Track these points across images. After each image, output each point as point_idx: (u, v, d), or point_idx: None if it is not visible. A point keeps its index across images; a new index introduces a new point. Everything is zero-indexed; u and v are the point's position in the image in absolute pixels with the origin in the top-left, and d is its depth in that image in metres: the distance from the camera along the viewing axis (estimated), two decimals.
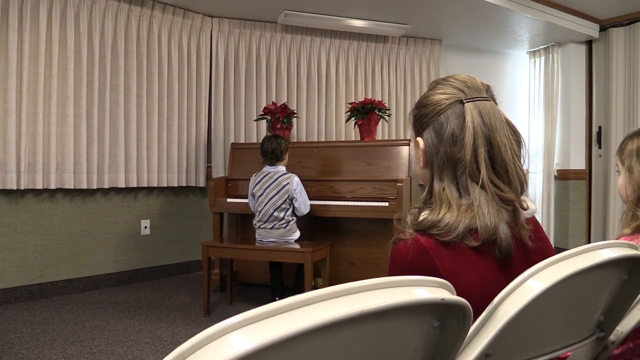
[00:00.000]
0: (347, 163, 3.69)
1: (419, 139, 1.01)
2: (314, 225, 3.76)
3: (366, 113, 3.87)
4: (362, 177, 3.57)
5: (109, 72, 3.87)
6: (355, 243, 3.64)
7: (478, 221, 0.88)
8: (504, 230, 0.88)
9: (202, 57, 4.39)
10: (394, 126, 5.06)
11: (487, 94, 0.98)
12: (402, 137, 5.00)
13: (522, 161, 0.94)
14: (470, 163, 0.91)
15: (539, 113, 5.13)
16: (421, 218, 0.92)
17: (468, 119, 0.93)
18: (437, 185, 0.95)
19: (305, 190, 3.40)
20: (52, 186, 3.63)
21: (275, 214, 3.25)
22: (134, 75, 4.00)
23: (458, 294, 0.74)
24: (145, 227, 4.16)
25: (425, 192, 0.99)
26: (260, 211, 3.30)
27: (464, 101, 0.95)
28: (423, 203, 0.97)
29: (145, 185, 4.09)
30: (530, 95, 5.23)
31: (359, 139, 4.16)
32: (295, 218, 3.34)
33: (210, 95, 4.50)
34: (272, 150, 3.29)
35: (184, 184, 4.32)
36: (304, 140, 4.67)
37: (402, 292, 0.67)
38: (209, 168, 4.51)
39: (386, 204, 3.30)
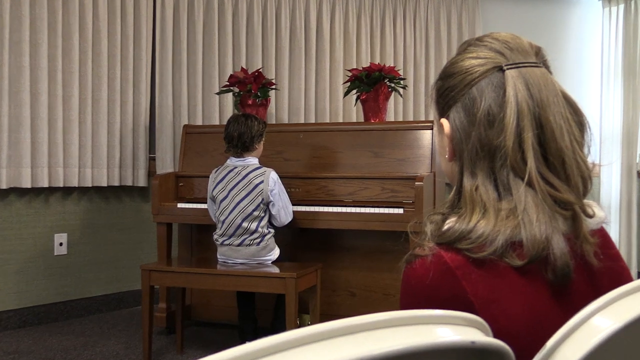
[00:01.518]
0: (345, 154, 3.72)
1: (443, 120, 1.01)
2: (300, 241, 3.79)
3: (373, 84, 3.90)
4: (367, 173, 3.61)
5: (7, 24, 3.87)
6: (357, 265, 3.68)
7: (523, 231, 0.89)
8: (559, 244, 0.89)
9: (142, 5, 4.40)
10: (412, 103, 5.10)
11: (536, 59, 0.98)
12: (422, 118, 5.04)
13: (585, 150, 0.96)
14: (512, 152, 0.92)
15: (615, 84, 5.13)
16: (446, 227, 0.93)
17: (510, 91, 0.94)
18: (467, 183, 0.96)
19: (287, 192, 3.43)
20: None
21: (245, 224, 3.28)
22: (44, 29, 3.99)
23: (495, 334, 0.76)
24: (61, 244, 4.16)
25: (452, 193, 1.00)
26: (224, 221, 3.32)
27: (505, 68, 0.96)
28: (449, 207, 0.98)
29: (61, 185, 4.08)
30: (603, 60, 5.22)
31: (362, 120, 4.18)
32: (272, 230, 3.36)
33: (153, 59, 4.51)
34: (239, 135, 3.31)
35: (116, 183, 4.33)
36: (286, 122, 4.70)
37: (418, 332, 0.68)
38: (151, 161, 4.52)
39: (400, 210, 3.34)
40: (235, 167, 3.34)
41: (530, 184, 0.92)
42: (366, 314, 0.66)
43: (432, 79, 4.99)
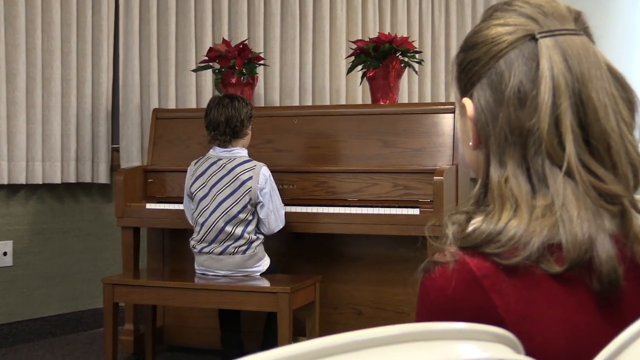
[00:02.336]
0: (349, 143, 3.74)
1: (466, 100, 1.02)
2: (294, 249, 3.80)
3: (382, 59, 3.91)
4: (376, 166, 3.62)
5: None
6: (364, 278, 3.69)
7: (562, 231, 0.90)
8: (604, 247, 0.90)
9: None
10: (429, 81, 5.11)
11: (576, 25, 0.99)
12: (442, 100, 5.05)
13: (635, 134, 0.97)
14: (548, 135, 0.93)
15: None
16: (470, 228, 0.94)
17: (544, 64, 0.95)
18: (495, 174, 0.97)
19: (279, 189, 3.45)
20: None
21: (229, 229, 3.29)
22: None
23: (530, 353, 0.77)
24: (5, 254, 4.17)
25: (477, 187, 1.01)
26: (203, 224, 3.34)
27: (538, 36, 0.97)
28: (474, 204, 0.99)
29: (5, 183, 4.09)
30: None
31: (369, 102, 4.19)
32: (262, 237, 3.38)
33: (116, 29, 4.52)
34: (227, 119, 3.34)
35: (72, 180, 4.33)
36: (277, 105, 4.71)
37: (437, 349, 0.69)
38: (115, 152, 4.53)
39: (416, 211, 3.35)
40: (220, 159, 3.36)
41: (569, 174, 0.93)
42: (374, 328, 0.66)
43: (454, 51, 4.99)
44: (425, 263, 0.95)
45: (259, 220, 3.35)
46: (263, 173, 3.31)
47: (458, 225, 0.97)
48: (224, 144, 3.35)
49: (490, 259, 0.91)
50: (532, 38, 0.98)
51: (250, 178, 3.29)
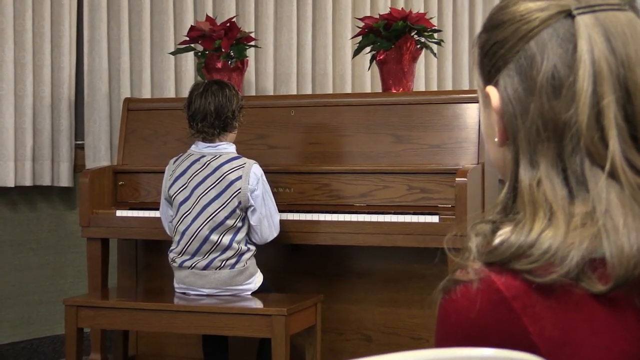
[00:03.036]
0: (356, 139, 3.74)
1: (490, 89, 1.02)
2: (292, 263, 3.81)
3: (395, 39, 3.92)
4: (387, 166, 3.63)
5: None
6: (374, 297, 3.70)
7: (606, 243, 0.90)
8: None
9: None
10: (450, 65, 5.11)
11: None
12: (466, 87, 5.04)
13: None
14: (587, 130, 0.93)
15: None
16: (498, 240, 0.94)
17: (583, 45, 0.95)
18: (526, 176, 0.97)
19: (272, 193, 3.45)
20: None
21: (214, 238, 3.31)
22: None
23: None
24: None
25: (504, 191, 1.02)
26: (184, 233, 3.35)
27: (575, 12, 0.97)
28: (501, 211, 1.00)
29: None
30: None
31: (379, 90, 4.19)
32: (253, 248, 3.40)
33: (80, 3, 4.51)
34: (217, 110, 3.34)
35: (28, 183, 4.33)
36: (271, 94, 4.71)
37: None
38: (79, 150, 4.54)
39: (434, 218, 3.36)
40: (203, 156, 3.37)
41: (613, 175, 0.93)
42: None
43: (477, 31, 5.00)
44: (445, 282, 0.95)
45: (249, 227, 3.35)
46: (254, 172, 3.32)
47: (482, 236, 0.97)
48: (211, 138, 3.37)
49: (520, 277, 0.91)
50: (569, 15, 0.98)
51: (239, 178, 3.29)
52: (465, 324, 0.92)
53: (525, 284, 0.91)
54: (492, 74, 1.02)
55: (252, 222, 3.34)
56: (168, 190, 3.41)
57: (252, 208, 3.32)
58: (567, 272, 0.90)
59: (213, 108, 3.33)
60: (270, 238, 3.39)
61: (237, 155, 3.38)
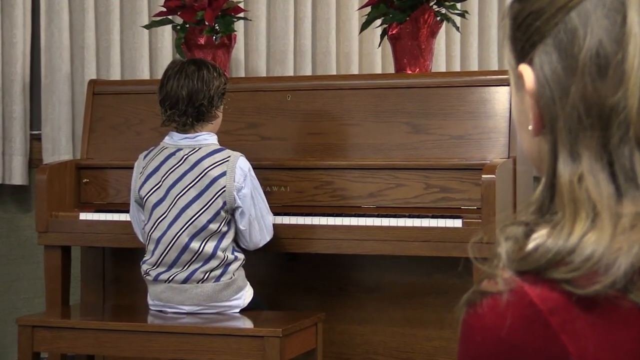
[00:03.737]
0: (364, 128, 3.74)
1: (523, 68, 1.03)
2: (288, 275, 3.81)
3: (410, 9, 3.91)
4: (401, 160, 3.62)
5: None
6: (385, 316, 3.69)
7: None
8: None
9: None
10: (476, 41, 5.09)
11: None
12: (494, 67, 5.03)
13: None
14: (638, 117, 0.94)
15: None
16: (532, 245, 0.94)
17: (634, 17, 0.95)
18: (565, 170, 0.97)
19: (265, 192, 3.46)
20: None
21: (195, 245, 3.31)
22: None
23: None
24: None
25: (539, 188, 1.02)
26: (159, 241, 3.35)
27: None
28: (536, 212, 1.00)
29: None
30: None
31: (392, 70, 4.18)
32: (242, 257, 3.40)
33: None
34: (190, 94, 3.34)
35: None
36: (263, 75, 4.70)
37: None
38: (34, 142, 4.53)
39: (457, 222, 3.36)
40: (179, 149, 3.38)
41: None
42: None
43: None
44: (469, 294, 0.95)
45: (236, 232, 3.36)
46: (240, 166, 3.32)
47: (514, 241, 0.97)
48: (184, 128, 3.37)
49: (559, 288, 0.91)
50: None
51: (224, 174, 3.30)
52: (493, 344, 0.92)
53: (563, 296, 0.91)
54: (526, 50, 1.03)
55: (239, 226, 3.35)
56: (138, 191, 3.41)
57: (240, 209, 3.33)
58: (613, 282, 0.90)
59: (185, 93, 3.32)
60: (262, 243, 3.40)
61: (219, 147, 3.39)
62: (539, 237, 0.95)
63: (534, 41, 1.02)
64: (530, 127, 1.03)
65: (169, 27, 4.41)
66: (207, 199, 3.31)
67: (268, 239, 3.42)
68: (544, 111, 1.01)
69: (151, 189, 3.38)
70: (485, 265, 0.97)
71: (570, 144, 0.98)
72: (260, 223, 3.38)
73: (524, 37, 1.03)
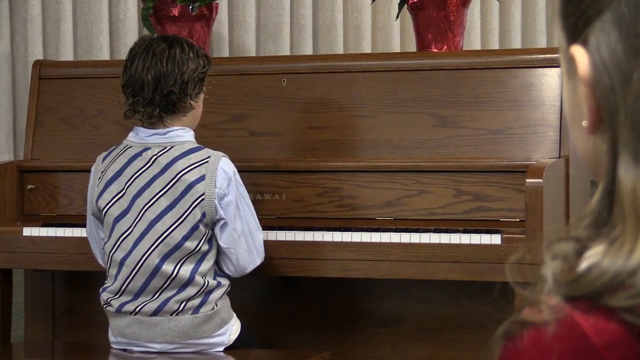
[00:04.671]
0: (379, 120, 3.75)
1: (576, 50, 1.04)
2: (285, 305, 3.82)
3: None
4: (425, 160, 3.64)
5: None
6: (406, 355, 3.70)
7: None
8: None
9: None
10: (518, 12, 5.10)
11: None
12: (540, 44, 5.02)
13: None
14: None
15: None
16: (585, 265, 0.95)
17: None
18: (627, 175, 0.97)
19: (255, 201, 3.48)
20: None
21: (168, 268, 3.32)
22: None
23: None
24: None
25: (596, 196, 1.02)
26: (123, 263, 3.35)
27: None
28: (591, 225, 1.01)
29: None
30: None
31: (412, 49, 4.18)
32: (226, 282, 3.41)
33: None
34: (155, 80, 3.34)
35: None
36: (252, 55, 4.71)
37: None
38: None
39: (495, 238, 3.36)
40: (146, 149, 3.39)
41: None
42: None
43: None
44: (507, 324, 0.96)
45: (219, 252, 3.38)
46: (223, 169, 3.33)
47: (563, 260, 0.98)
48: (151, 121, 3.38)
49: (617, 318, 0.92)
50: None
51: (202, 178, 3.31)
52: None
53: (623, 327, 0.92)
54: (580, 28, 1.04)
55: (221, 244, 3.35)
56: (97, 201, 3.41)
57: (222, 222, 3.33)
58: None
59: (152, 77, 3.33)
60: (251, 268, 3.41)
61: (196, 145, 3.40)
62: (593, 255, 0.96)
63: (589, 17, 1.02)
64: (584, 123, 1.05)
65: None
66: (181, 210, 3.31)
67: (258, 262, 3.43)
68: (601, 103, 1.01)
69: (112, 199, 3.38)
70: (528, 290, 0.99)
71: (633, 142, 0.98)
72: (248, 241, 3.38)
73: (577, 12, 1.04)
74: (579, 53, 1.03)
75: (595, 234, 1.00)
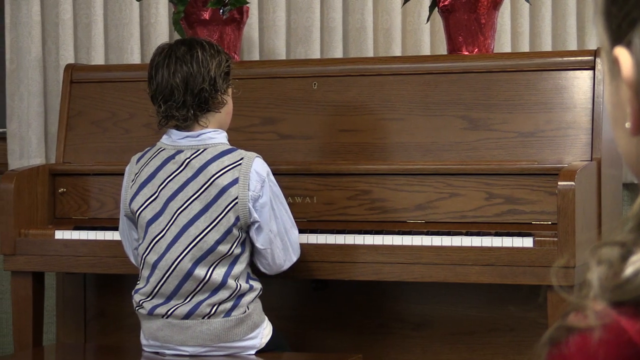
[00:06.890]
0: (409, 123, 3.75)
1: (620, 51, 1.03)
2: (316, 308, 3.82)
3: None
4: (456, 163, 3.64)
5: None
6: (438, 359, 3.69)
7: None
8: None
9: None
10: (549, 14, 5.08)
11: None
12: (573, 47, 5.01)
13: None
14: None
15: None
16: (630, 270, 0.94)
17: None
18: None
19: (288, 203, 3.47)
20: None
21: (201, 272, 3.31)
22: None
23: None
24: None
25: (639, 199, 1.02)
26: (156, 266, 3.36)
27: None
28: (635, 229, 1.00)
29: None
30: None
31: (443, 51, 4.17)
32: (259, 286, 3.41)
33: None
34: (184, 82, 3.34)
35: None
36: (283, 59, 4.71)
37: None
38: None
39: (528, 241, 3.33)
40: (179, 152, 3.39)
41: None
42: None
43: None
44: (552, 330, 0.96)
45: (253, 254, 3.38)
46: (256, 170, 3.33)
47: (608, 265, 0.97)
48: (187, 123, 3.38)
49: None
50: None
51: (235, 181, 3.30)
52: None
53: None
54: (624, 29, 1.02)
55: (257, 245, 3.35)
56: (130, 204, 3.41)
57: (257, 225, 3.32)
58: None
59: (179, 81, 3.33)
60: (287, 265, 3.41)
61: (229, 147, 3.39)
62: (638, 260, 0.95)
63: (633, 18, 1.01)
64: (627, 125, 1.03)
65: (164, 0, 4.43)
66: (215, 214, 3.30)
67: (295, 259, 3.42)
68: None
69: (145, 202, 3.38)
70: (573, 296, 0.98)
71: None
72: (283, 240, 3.37)
73: (621, 14, 1.03)
74: (623, 55, 1.02)
75: (639, 238, 0.99)
